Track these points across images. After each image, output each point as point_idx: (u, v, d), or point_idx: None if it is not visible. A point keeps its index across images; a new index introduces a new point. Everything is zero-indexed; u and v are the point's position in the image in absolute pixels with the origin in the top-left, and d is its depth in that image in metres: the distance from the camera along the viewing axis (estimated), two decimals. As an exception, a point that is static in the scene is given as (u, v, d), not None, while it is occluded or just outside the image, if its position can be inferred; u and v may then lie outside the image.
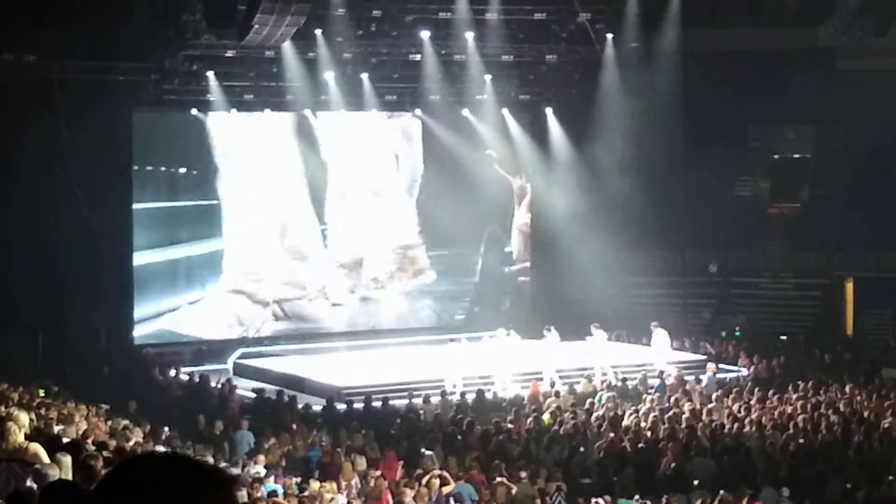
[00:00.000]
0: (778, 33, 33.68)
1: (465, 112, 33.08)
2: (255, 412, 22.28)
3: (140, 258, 29.70)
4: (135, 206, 29.55)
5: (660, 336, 27.44)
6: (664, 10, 31.57)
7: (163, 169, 30.46)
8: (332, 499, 14.65)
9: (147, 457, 2.87)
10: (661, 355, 27.04)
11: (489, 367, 25.68)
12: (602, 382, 24.85)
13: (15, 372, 22.78)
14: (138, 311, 29.67)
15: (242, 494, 14.12)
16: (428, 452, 17.85)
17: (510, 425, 20.74)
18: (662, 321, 28.24)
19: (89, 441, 15.80)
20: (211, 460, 16.06)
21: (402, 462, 17.58)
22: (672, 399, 22.84)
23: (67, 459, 8.73)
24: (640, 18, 31.34)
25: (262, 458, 17.22)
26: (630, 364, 26.88)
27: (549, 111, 33.59)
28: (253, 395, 24.04)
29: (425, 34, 30.05)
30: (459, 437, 19.85)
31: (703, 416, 20.90)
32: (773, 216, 36.32)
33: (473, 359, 26.10)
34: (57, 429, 16.46)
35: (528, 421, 20.99)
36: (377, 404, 22.74)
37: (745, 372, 27.23)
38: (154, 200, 30.11)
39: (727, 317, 33.55)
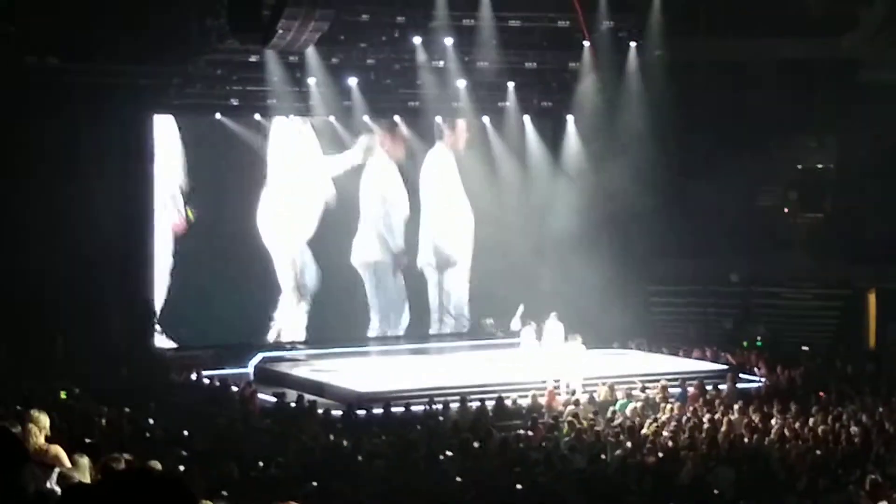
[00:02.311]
0: (801, 43, 33.56)
1: (485, 119, 33.20)
2: (274, 417, 22.28)
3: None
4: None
5: (555, 328, 27.06)
6: (688, 19, 31.51)
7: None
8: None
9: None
10: (553, 346, 26.66)
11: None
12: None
13: (36, 373, 22.85)
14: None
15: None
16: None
17: (529, 433, 20.69)
18: (684, 331, 27.96)
19: (109, 443, 15.83)
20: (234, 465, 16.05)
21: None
22: (692, 408, 22.77)
23: (85, 461, 8.68)
24: (664, 27, 31.31)
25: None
26: (648, 374, 26.78)
27: (570, 118, 33.55)
28: (273, 399, 24.04)
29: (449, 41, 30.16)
30: (478, 444, 19.78)
31: (724, 426, 20.79)
32: (796, 226, 36.16)
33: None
34: (77, 431, 16.48)
35: (548, 429, 20.93)
36: (397, 410, 22.71)
37: (765, 382, 27.11)
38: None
39: (748, 327, 33.37)
